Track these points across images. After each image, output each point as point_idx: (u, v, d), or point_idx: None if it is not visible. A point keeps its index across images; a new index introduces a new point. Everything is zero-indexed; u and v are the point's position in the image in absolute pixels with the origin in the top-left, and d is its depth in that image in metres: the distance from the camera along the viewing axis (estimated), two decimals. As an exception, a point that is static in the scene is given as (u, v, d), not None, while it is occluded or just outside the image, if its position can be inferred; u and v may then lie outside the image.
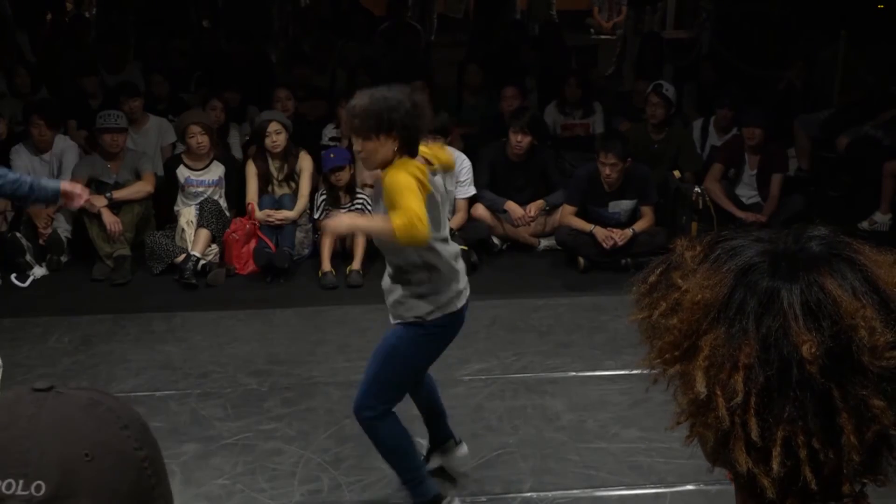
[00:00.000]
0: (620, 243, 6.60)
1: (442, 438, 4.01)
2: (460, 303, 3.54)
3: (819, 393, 0.97)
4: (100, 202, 6.60)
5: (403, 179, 3.23)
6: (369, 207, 6.82)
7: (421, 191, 3.24)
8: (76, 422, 0.93)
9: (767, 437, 0.97)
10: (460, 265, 3.57)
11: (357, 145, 3.39)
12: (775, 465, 0.97)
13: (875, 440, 0.99)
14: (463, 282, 3.59)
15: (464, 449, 4.01)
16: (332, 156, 6.84)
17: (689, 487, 3.97)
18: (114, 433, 0.94)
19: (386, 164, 3.35)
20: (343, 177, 6.78)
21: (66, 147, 7.02)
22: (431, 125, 3.55)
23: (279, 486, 4.01)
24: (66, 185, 3.99)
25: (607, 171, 6.60)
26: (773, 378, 0.97)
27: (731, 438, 0.99)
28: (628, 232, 6.64)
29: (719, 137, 7.91)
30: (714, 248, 1.09)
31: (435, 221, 3.36)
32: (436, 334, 3.52)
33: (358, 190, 6.90)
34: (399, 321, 3.53)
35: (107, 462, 0.92)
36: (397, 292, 3.51)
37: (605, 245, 6.58)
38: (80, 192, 3.98)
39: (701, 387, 1.00)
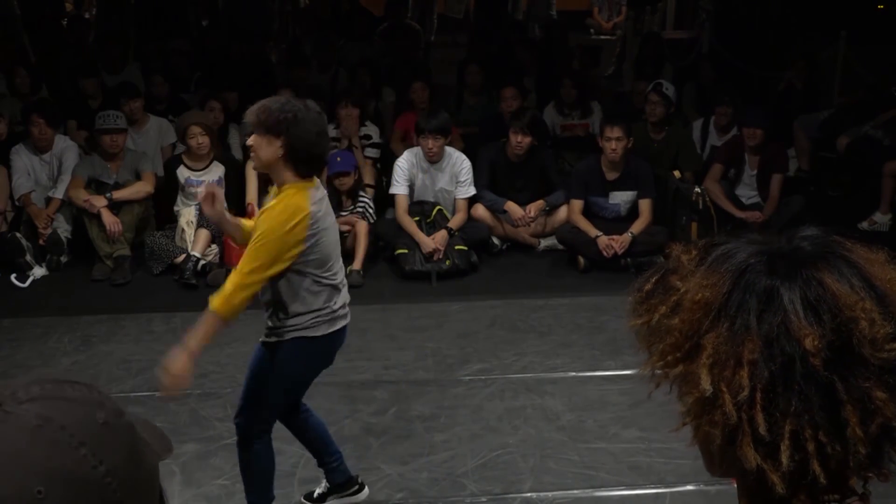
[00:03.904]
0: (620, 252, 6.61)
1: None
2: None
3: (823, 386, 0.98)
4: (100, 202, 6.60)
5: (276, 225, 3.23)
6: (371, 211, 6.84)
7: (288, 235, 3.21)
8: (24, 453, 0.82)
9: (775, 431, 0.98)
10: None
11: (249, 139, 3.38)
12: (784, 460, 0.97)
13: (879, 433, 1.00)
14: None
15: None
16: (338, 159, 6.84)
17: (689, 488, 3.97)
18: (68, 456, 0.84)
19: (272, 170, 3.35)
20: (347, 182, 6.78)
21: (66, 147, 7.02)
22: (326, 155, 3.54)
23: (279, 486, 4.00)
24: None
25: (612, 145, 6.61)
26: (778, 373, 0.98)
27: (739, 434, 1.00)
28: (627, 237, 6.64)
29: (719, 137, 7.91)
30: (710, 250, 1.10)
31: (320, 261, 3.30)
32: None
33: (361, 194, 6.90)
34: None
35: (63, 493, 0.82)
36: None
37: (605, 254, 6.60)
38: None
39: (706, 384, 1.01)
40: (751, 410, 0.98)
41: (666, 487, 4.00)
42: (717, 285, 1.04)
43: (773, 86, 9.04)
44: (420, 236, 6.63)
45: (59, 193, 6.82)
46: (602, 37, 12.43)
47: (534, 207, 7.00)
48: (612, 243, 6.61)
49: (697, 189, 7.12)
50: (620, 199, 6.87)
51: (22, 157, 6.90)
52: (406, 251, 6.59)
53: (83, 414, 0.87)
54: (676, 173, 7.50)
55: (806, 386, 0.98)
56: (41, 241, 6.68)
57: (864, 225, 7.43)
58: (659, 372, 1.09)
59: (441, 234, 6.67)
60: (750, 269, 1.04)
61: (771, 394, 0.98)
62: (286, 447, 4.30)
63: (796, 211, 7.01)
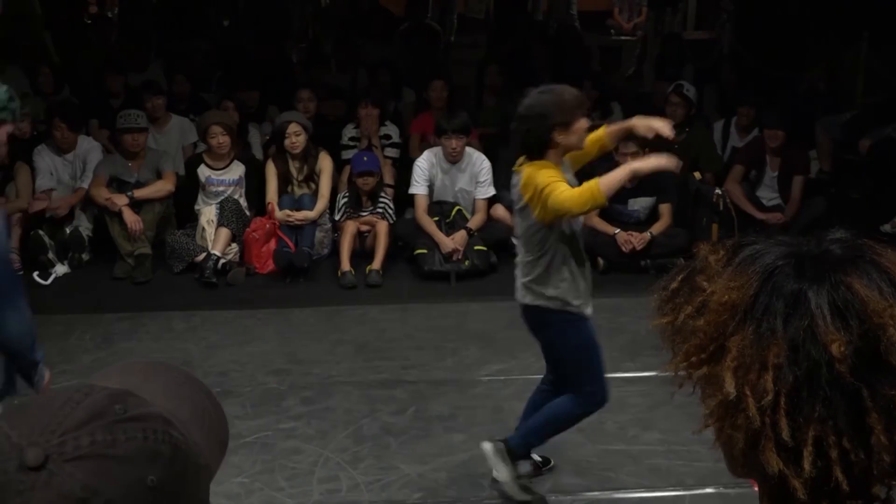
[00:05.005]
0: (639, 248, 6.60)
1: None
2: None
3: (849, 392, 0.97)
4: (121, 201, 6.64)
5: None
6: (391, 211, 6.86)
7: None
8: None
9: (798, 437, 0.97)
10: None
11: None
12: (807, 466, 0.97)
13: None
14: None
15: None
16: (364, 159, 6.87)
17: (709, 490, 3.95)
18: None
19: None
20: (370, 182, 6.81)
21: (89, 147, 7.07)
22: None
23: (298, 484, 4.02)
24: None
25: (628, 161, 6.58)
26: (803, 378, 0.97)
27: (762, 439, 0.99)
28: (646, 235, 6.63)
29: (740, 139, 7.87)
30: (738, 251, 1.09)
31: None
32: None
33: (382, 194, 6.92)
34: None
35: None
36: None
37: (623, 248, 6.60)
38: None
39: (730, 387, 1.00)
40: (774, 415, 0.98)
41: (685, 490, 3.99)
42: (743, 287, 1.03)
43: (795, 87, 8.99)
44: (439, 236, 6.63)
45: (85, 184, 6.87)
46: (622, 37, 12.40)
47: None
48: (631, 238, 6.61)
49: (718, 191, 7.09)
50: (640, 205, 6.85)
51: (44, 158, 6.94)
52: (425, 251, 6.59)
53: (133, 478, 0.81)
54: (697, 175, 7.47)
55: (831, 392, 0.97)
56: (57, 216, 6.70)
57: (887, 227, 7.37)
58: (682, 373, 1.08)
59: (460, 235, 6.67)
60: (778, 271, 1.03)
61: (795, 399, 0.98)
62: (305, 446, 4.32)
63: (818, 213, 6.97)
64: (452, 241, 6.60)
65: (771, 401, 0.98)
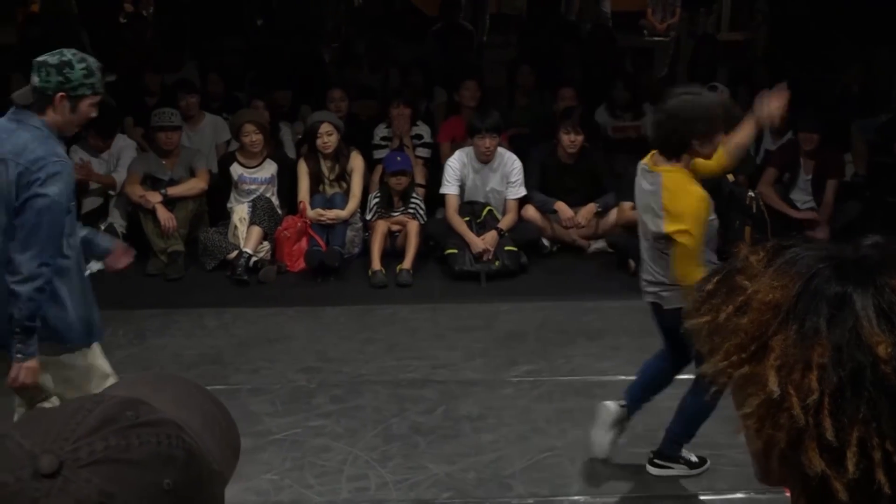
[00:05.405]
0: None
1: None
2: None
3: (893, 395, 0.97)
4: (155, 198, 6.69)
5: None
6: (422, 211, 6.89)
7: None
8: None
9: (842, 437, 0.97)
10: None
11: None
12: (850, 467, 0.96)
13: None
14: None
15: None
16: (398, 159, 6.89)
17: (739, 496, 3.93)
18: None
19: None
20: (404, 181, 6.83)
21: (124, 146, 7.14)
22: None
23: (327, 482, 4.04)
24: (113, 255, 3.92)
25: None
26: (847, 379, 0.97)
27: (805, 438, 0.99)
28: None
29: (774, 141, 7.80)
30: (779, 253, 1.09)
31: None
32: None
33: (413, 195, 6.93)
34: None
35: None
36: None
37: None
38: (121, 263, 3.94)
39: (773, 385, 1.00)
40: (818, 415, 0.98)
41: (715, 494, 3.97)
42: (786, 287, 1.03)
43: (830, 89, 8.90)
44: (470, 236, 6.63)
45: (118, 176, 6.94)
46: (654, 38, 12.33)
47: (584, 213, 6.96)
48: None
49: (751, 193, 7.04)
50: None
51: (80, 157, 7.00)
52: (456, 251, 6.60)
53: (148, 482, 0.81)
54: (730, 177, 7.41)
55: (875, 393, 0.97)
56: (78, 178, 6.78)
57: (923, 232, 7.28)
58: (721, 372, 1.08)
59: (491, 235, 6.66)
60: (818, 274, 1.03)
61: (839, 399, 0.97)
62: (334, 444, 4.34)
63: (852, 217, 6.90)
64: (483, 242, 6.60)
65: (816, 400, 0.97)
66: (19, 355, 3.27)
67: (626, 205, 6.83)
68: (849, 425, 0.97)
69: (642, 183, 3.80)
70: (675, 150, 3.63)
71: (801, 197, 7.25)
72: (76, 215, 3.52)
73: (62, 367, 3.48)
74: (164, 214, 6.66)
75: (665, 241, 3.67)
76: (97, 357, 3.59)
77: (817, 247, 1.08)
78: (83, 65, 3.37)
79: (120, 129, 7.47)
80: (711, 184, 6.87)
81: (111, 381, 3.46)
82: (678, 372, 3.99)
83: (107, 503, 0.78)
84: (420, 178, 7.39)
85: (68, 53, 3.39)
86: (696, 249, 3.56)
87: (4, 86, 7.99)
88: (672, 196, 3.62)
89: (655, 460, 4.04)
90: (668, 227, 3.61)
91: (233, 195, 7.04)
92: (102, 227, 6.83)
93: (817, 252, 1.07)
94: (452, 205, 6.81)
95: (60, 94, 3.33)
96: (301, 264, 6.69)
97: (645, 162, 3.80)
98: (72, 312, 3.42)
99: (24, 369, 3.28)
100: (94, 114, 3.49)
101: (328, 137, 6.82)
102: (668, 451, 4.03)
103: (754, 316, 1.04)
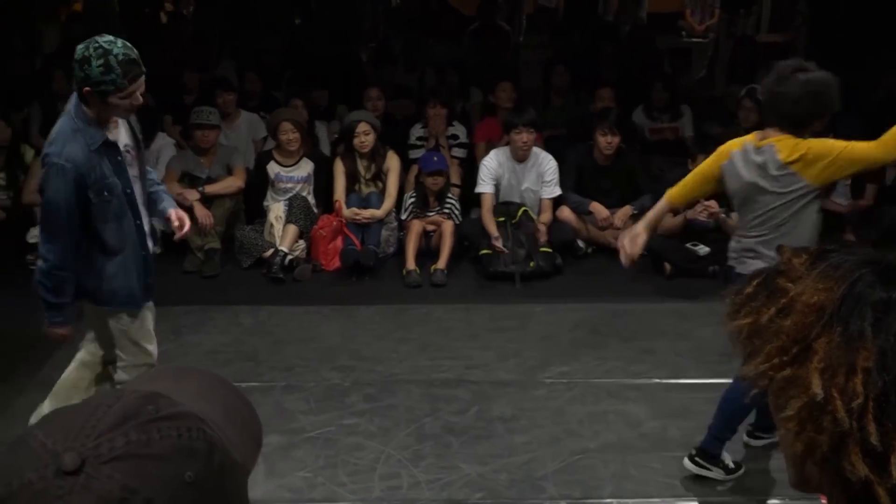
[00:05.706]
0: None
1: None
2: None
3: None
4: (192, 196, 6.75)
5: None
6: (457, 211, 6.89)
7: None
8: None
9: (886, 442, 0.96)
10: None
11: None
12: (894, 472, 0.95)
13: None
14: None
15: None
16: (434, 159, 6.91)
17: (775, 501, 3.90)
18: None
19: None
20: (440, 181, 6.85)
21: (164, 144, 7.22)
22: None
23: (359, 480, 4.06)
24: (174, 213, 4.09)
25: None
26: (891, 384, 0.97)
27: (849, 443, 0.98)
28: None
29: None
30: (822, 256, 1.08)
31: None
32: None
33: (449, 196, 6.94)
34: None
35: None
36: None
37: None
38: (183, 226, 4.09)
39: (817, 388, 0.99)
40: (862, 419, 0.97)
41: (750, 498, 3.93)
42: (831, 290, 1.03)
43: (871, 92, 8.79)
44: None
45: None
46: (693, 39, 12.25)
47: (620, 216, 6.93)
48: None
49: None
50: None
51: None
52: (490, 252, 6.59)
53: (171, 475, 0.82)
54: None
55: None
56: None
57: (964, 237, 7.18)
58: (762, 374, 1.07)
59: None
60: (862, 278, 1.02)
61: (883, 404, 0.97)
62: (368, 442, 4.35)
63: (892, 221, 6.80)
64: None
65: (860, 404, 0.97)
66: (46, 320, 3.77)
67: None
68: (893, 430, 0.96)
69: (748, 161, 3.68)
70: (800, 126, 3.57)
71: (840, 200, 7.17)
72: (131, 201, 3.75)
73: (105, 319, 3.95)
74: (201, 212, 6.71)
75: (799, 197, 3.61)
76: (143, 320, 4.10)
77: (860, 252, 1.08)
78: (101, 62, 3.39)
79: (159, 128, 7.55)
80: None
81: (148, 345, 4.14)
82: None
83: (129, 498, 0.78)
84: (455, 179, 7.39)
85: (91, 48, 3.40)
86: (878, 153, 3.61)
87: (50, 84, 8.12)
88: (792, 150, 3.56)
89: (696, 458, 3.99)
90: (808, 177, 3.57)
91: (269, 193, 7.09)
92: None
93: (860, 257, 1.06)
94: (487, 204, 6.81)
95: (86, 88, 3.40)
96: (336, 263, 6.72)
97: (749, 140, 3.71)
98: (106, 283, 3.77)
99: (49, 332, 3.81)
100: (135, 102, 3.56)
101: (365, 137, 6.85)
102: (710, 449, 3.97)
103: (797, 318, 1.03)
